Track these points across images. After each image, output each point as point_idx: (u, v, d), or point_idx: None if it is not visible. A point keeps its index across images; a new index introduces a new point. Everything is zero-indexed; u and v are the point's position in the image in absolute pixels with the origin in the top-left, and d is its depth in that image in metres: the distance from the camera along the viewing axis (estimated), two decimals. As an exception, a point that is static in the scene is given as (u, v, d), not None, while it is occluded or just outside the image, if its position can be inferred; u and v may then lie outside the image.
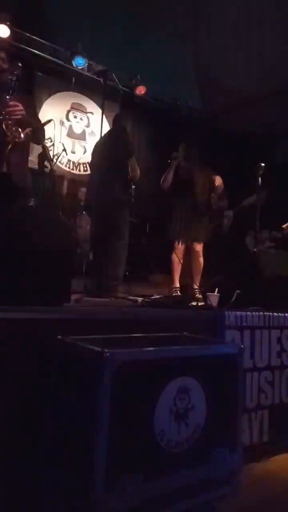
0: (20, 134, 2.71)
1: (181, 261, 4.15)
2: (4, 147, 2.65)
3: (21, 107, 2.74)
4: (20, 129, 2.71)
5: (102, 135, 4.49)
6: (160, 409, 1.52)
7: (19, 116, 2.71)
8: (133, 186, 4.15)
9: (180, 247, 4.20)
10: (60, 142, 5.92)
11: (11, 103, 2.73)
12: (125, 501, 1.40)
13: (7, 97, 2.75)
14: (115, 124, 4.26)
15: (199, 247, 4.22)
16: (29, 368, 1.62)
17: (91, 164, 4.09)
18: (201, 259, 4.23)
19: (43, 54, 6.26)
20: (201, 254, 4.23)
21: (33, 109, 3.04)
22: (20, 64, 2.84)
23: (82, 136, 6.92)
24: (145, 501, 1.45)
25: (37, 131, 2.91)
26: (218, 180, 4.34)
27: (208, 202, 4.46)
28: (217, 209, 5.56)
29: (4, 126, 2.66)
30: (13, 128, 2.69)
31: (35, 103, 3.22)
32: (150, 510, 1.47)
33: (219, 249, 5.81)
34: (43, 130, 3.21)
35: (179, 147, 4.38)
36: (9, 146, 2.66)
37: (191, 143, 4.50)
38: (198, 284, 4.10)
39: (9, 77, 2.80)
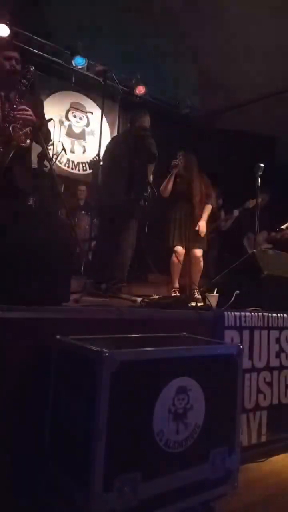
0: (26, 139, 2.71)
1: (181, 263, 4.16)
2: (9, 150, 2.64)
3: (30, 112, 2.73)
4: (26, 133, 2.70)
5: (104, 133, 4.22)
6: (159, 409, 1.52)
7: (28, 121, 2.70)
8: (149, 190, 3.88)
9: (180, 251, 4.22)
10: (59, 141, 5.91)
11: (20, 106, 2.71)
12: (123, 501, 1.40)
13: (17, 100, 2.74)
14: (133, 123, 3.91)
15: (199, 253, 4.25)
16: (28, 368, 1.62)
17: (103, 165, 3.85)
18: (201, 264, 4.27)
19: (43, 54, 6.26)
20: (201, 259, 4.26)
21: (41, 110, 3.02)
22: (32, 69, 2.82)
23: (81, 136, 6.92)
24: (143, 501, 1.45)
25: (40, 130, 2.87)
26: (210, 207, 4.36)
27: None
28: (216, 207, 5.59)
29: (11, 129, 2.65)
30: (20, 132, 2.68)
31: (43, 104, 3.19)
32: (148, 509, 1.48)
33: (218, 250, 5.83)
34: (49, 133, 3.19)
35: (178, 155, 4.34)
36: (13, 150, 2.65)
37: (189, 149, 4.47)
38: (197, 285, 4.11)
39: (22, 80, 2.78)
